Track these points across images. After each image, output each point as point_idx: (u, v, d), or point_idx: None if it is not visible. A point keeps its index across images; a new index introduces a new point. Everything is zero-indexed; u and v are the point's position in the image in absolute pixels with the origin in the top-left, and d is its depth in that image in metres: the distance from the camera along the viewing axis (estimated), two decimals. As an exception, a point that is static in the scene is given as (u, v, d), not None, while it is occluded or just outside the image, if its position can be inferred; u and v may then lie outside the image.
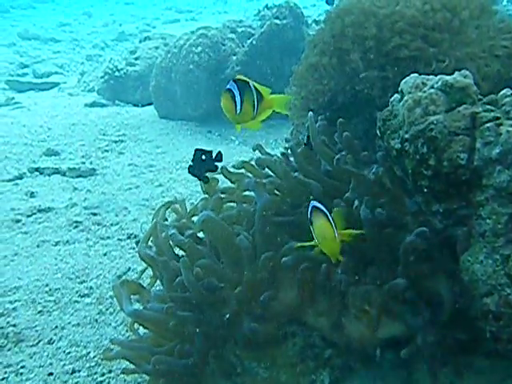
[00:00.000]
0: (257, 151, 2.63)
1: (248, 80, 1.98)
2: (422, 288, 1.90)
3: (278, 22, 5.50)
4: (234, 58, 5.73)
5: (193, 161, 2.27)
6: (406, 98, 1.87)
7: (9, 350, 2.69)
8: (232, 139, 5.65)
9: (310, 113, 2.23)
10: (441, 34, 2.47)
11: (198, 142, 5.63)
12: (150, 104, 6.85)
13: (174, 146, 5.58)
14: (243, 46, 5.82)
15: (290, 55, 5.66)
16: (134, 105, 7.19)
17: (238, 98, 1.89)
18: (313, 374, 2.17)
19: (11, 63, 10.68)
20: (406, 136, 1.84)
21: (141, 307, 2.33)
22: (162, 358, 2.09)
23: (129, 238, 3.75)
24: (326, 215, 1.59)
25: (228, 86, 1.91)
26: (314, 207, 1.61)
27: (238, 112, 1.90)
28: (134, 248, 3.60)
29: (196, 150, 2.26)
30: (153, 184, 4.69)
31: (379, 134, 2.02)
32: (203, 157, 2.26)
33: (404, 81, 1.96)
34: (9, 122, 6.50)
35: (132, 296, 2.37)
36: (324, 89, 2.59)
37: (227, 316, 2.12)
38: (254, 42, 5.59)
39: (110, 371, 2.52)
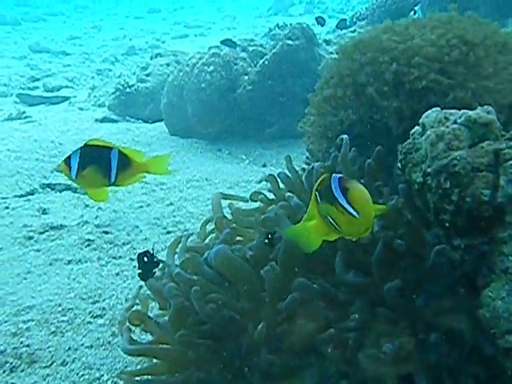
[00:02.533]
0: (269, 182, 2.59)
1: (111, 146, 2.07)
2: (442, 323, 1.90)
3: (290, 42, 5.55)
4: (246, 77, 5.77)
5: (139, 268, 2.39)
6: (428, 132, 1.89)
7: (22, 371, 2.69)
8: (242, 158, 5.68)
9: (345, 136, 2.24)
10: (456, 67, 2.51)
11: (207, 161, 5.66)
12: (160, 120, 6.90)
13: (185, 164, 5.61)
14: (255, 66, 5.87)
15: (301, 76, 5.72)
16: (144, 121, 7.24)
17: (73, 164, 2.06)
18: (330, 405, 2.17)
19: (22, 76, 10.79)
20: (429, 170, 1.86)
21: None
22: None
23: (141, 257, 3.76)
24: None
25: (70, 153, 2.09)
26: (341, 178, 1.47)
27: (73, 177, 2.08)
28: (146, 268, 3.61)
29: (138, 256, 2.39)
30: (164, 202, 4.70)
31: (400, 167, 2.04)
32: (145, 259, 2.38)
33: (426, 114, 1.98)
34: (20, 137, 6.55)
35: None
36: (342, 117, 2.62)
37: (244, 347, 2.12)
38: (266, 62, 5.64)
39: (124, 395, 2.51)
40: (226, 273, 2.10)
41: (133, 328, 2.28)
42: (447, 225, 1.86)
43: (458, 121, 1.86)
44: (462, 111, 1.88)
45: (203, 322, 2.09)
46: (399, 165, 2.03)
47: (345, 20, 7.50)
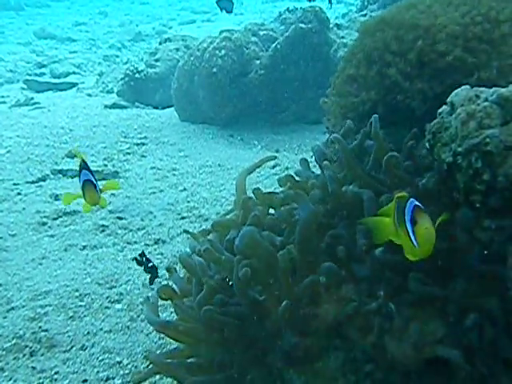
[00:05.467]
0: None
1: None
2: (472, 305, 1.87)
3: (303, 25, 5.47)
4: (258, 62, 5.70)
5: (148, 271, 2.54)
6: (458, 110, 1.84)
7: (42, 355, 2.68)
8: (255, 143, 5.63)
9: (375, 116, 2.21)
10: (480, 45, 2.45)
11: (220, 147, 5.61)
12: (170, 106, 6.85)
13: (197, 149, 5.57)
14: (266, 50, 5.80)
15: (314, 60, 5.64)
16: (154, 107, 7.19)
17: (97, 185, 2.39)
18: (354, 388, 2.15)
19: (28, 62, 10.74)
20: (459, 150, 1.81)
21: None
22: (198, 379, 2.07)
23: (156, 243, 3.74)
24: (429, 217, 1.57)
25: (84, 177, 2.35)
26: (416, 206, 1.58)
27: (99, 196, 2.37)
28: (162, 254, 3.59)
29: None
30: (177, 188, 4.67)
31: (428, 147, 2.00)
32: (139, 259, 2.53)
33: (455, 93, 1.93)
34: (29, 123, 6.52)
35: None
36: (364, 98, 2.56)
37: (267, 330, 2.10)
38: (279, 46, 5.57)
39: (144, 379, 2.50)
40: (252, 256, 2.07)
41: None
42: (478, 205, 1.82)
43: (490, 98, 1.81)
44: (494, 89, 1.83)
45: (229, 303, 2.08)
46: (427, 145, 1.99)
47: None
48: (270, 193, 2.46)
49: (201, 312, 2.04)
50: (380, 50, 2.48)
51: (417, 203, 1.60)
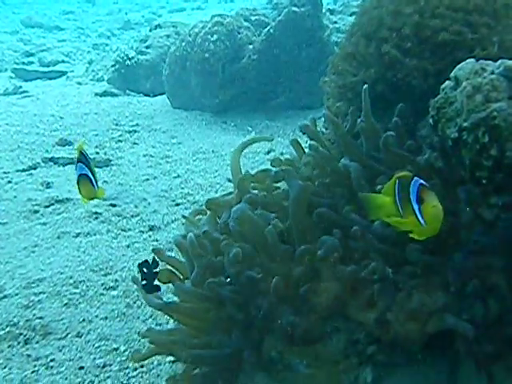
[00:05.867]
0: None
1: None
2: (479, 281, 1.83)
3: (296, 9, 5.39)
4: (251, 46, 5.63)
5: (144, 279, 2.31)
6: (464, 84, 1.79)
7: (37, 342, 2.62)
8: (248, 130, 5.57)
9: (365, 86, 2.16)
10: (481, 18, 2.39)
11: (213, 133, 5.54)
12: (161, 94, 6.76)
13: (190, 136, 5.49)
14: (259, 35, 5.72)
15: (308, 44, 5.58)
16: (145, 94, 7.09)
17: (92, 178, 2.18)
18: (356, 371, 2.11)
19: (15, 51, 10.57)
20: (465, 124, 1.77)
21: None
22: (196, 352, 2.02)
23: (150, 229, 3.68)
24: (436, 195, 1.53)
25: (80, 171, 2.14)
26: (421, 185, 1.54)
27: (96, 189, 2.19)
28: (157, 240, 3.53)
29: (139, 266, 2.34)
30: (170, 175, 4.61)
31: (432, 123, 1.95)
32: (145, 269, 2.31)
33: (459, 67, 1.88)
34: (19, 111, 6.41)
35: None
36: (363, 77, 2.51)
37: (264, 308, 2.06)
38: (272, 31, 5.49)
39: (141, 365, 2.45)
40: (247, 234, 2.03)
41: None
42: (484, 182, 1.78)
43: (496, 71, 1.76)
44: (500, 61, 1.78)
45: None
46: (431, 121, 1.94)
47: None
48: (263, 170, 2.42)
49: (202, 288, 1.99)
50: (378, 26, 2.43)
51: (422, 182, 1.56)
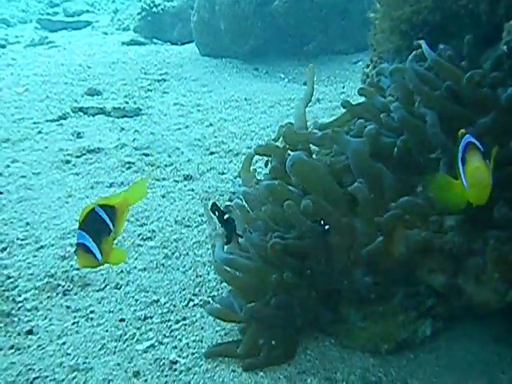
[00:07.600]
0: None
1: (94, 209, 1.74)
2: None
3: None
4: (283, -12, 5.33)
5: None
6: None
7: (75, 294, 2.56)
8: (281, 77, 5.35)
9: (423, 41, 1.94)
10: None
11: (244, 80, 5.34)
12: (189, 42, 6.53)
13: (221, 84, 5.30)
14: (291, -24, 5.41)
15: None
16: (173, 43, 6.87)
17: (93, 248, 1.69)
18: (414, 324, 1.99)
19: (40, 2, 10.37)
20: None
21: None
22: (254, 307, 1.92)
23: (185, 179, 3.56)
24: (482, 155, 1.35)
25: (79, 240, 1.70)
26: (470, 143, 1.37)
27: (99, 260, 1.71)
28: (192, 190, 3.42)
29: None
30: (203, 124, 4.46)
31: (506, 50, 1.74)
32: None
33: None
34: (46, 62, 6.27)
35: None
36: (420, 6, 2.28)
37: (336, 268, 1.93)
38: (306, -30, 5.19)
39: (184, 318, 2.37)
40: (304, 179, 1.88)
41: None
42: None
43: None
44: None
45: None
46: (504, 48, 1.74)
47: None
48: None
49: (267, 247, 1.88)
50: None
51: (471, 139, 1.39)
